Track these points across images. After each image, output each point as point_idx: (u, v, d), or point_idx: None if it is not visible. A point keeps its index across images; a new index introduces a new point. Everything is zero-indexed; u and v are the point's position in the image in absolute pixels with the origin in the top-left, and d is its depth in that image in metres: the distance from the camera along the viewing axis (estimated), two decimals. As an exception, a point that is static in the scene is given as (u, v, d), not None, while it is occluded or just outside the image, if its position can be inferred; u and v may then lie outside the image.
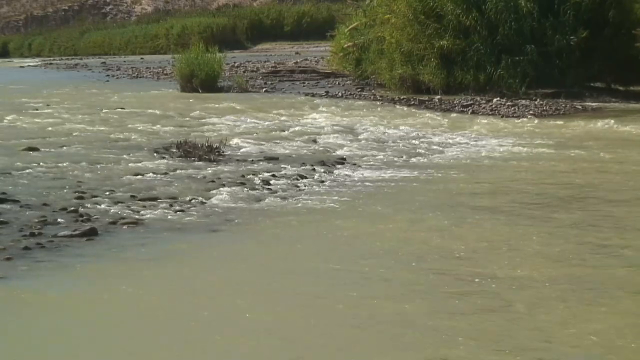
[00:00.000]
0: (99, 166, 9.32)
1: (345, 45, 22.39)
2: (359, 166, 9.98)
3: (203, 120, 14.52)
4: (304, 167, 9.64)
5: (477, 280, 5.26)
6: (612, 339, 4.33)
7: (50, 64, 46.88)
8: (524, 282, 5.19)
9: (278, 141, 11.91)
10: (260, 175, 9.01)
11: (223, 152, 10.31)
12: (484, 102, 17.11)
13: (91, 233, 6.44)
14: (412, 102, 17.73)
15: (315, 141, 12.01)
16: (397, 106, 17.34)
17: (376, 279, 5.39)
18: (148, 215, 7.10)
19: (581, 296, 4.95)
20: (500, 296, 4.95)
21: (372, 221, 6.99)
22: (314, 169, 9.57)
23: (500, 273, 5.37)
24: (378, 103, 18.06)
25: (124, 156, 10.04)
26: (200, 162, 9.72)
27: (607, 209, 7.32)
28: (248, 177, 8.90)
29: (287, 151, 10.99)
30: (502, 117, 15.50)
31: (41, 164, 9.32)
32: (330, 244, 6.33)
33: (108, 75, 31.55)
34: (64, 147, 10.71)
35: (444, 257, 5.84)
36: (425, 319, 4.62)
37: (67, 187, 8.10)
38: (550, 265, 5.58)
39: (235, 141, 11.53)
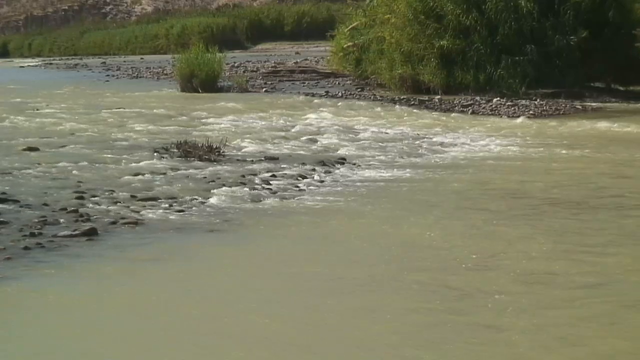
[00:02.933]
0: (99, 166, 9.32)
1: (345, 45, 22.40)
2: (359, 166, 9.98)
3: (203, 120, 14.52)
4: (304, 167, 9.64)
5: (471, 293, 5.14)
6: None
7: (50, 64, 46.88)
8: (517, 300, 5.02)
9: (278, 141, 11.91)
10: (260, 175, 9.01)
11: (223, 152, 10.31)
12: (484, 102, 17.11)
13: (91, 233, 6.43)
14: (412, 102, 17.73)
15: (315, 141, 12.01)
16: (397, 106, 17.34)
17: (373, 285, 5.35)
18: (148, 215, 7.10)
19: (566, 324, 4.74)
20: (495, 317, 4.77)
21: (372, 221, 6.98)
22: (314, 169, 9.57)
23: (497, 287, 5.27)
24: (378, 103, 18.05)
25: (124, 156, 10.03)
26: (200, 162, 9.72)
27: (603, 213, 7.29)
28: (248, 177, 8.90)
29: (287, 151, 10.99)
30: (502, 117, 15.51)
31: (41, 164, 9.32)
32: (330, 245, 6.33)
33: (108, 75, 31.55)
34: (64, 147, 10.71)
35: (444, 264, 5.82)
36: (417, 336, 4.52)
37: (67, 187, 8.09)
38: (544, 281, 5.50)
39: (235, 141, 11.53)
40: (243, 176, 8.93)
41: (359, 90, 20.96)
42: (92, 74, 33.25)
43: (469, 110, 16.39)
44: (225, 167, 9.55)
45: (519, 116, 15.48)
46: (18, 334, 4.59)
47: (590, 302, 4.91)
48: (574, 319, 4.64)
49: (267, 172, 9.24)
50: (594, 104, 17.18)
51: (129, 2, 77.19)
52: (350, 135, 12.73)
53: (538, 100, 17.15)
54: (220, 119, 14.61)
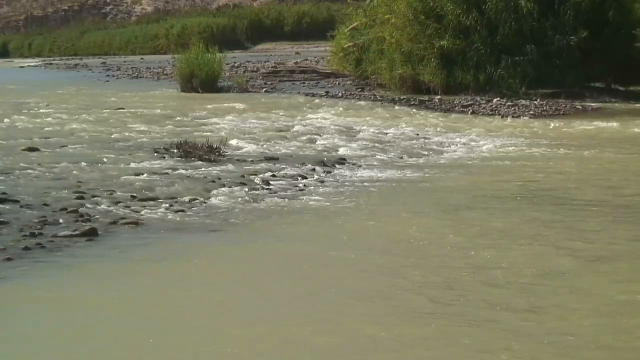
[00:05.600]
0: (99, 166, 9.32)
1: (346, 46, 22.40)
2: (359, 166, 9.98)
3: (203, 120, 14.52)
4: (304, 167, 9.64)
5: (473, 293, 5.16)
6: None
7: (50, 64, 46.88)
8: (516, 308, 5.07)
9: (278, 141, 11.91)
10: (260, 175, 9.01)
11: (223, 152, 10.31)
12: (484, 102, 17.11)
13: (91, 233, 6.44)
14: (412, 102, 17.73)
15: (315, 141, 12.01)
16: (397, 106, 17.34)
17: (374, 284, 5.34)
18: (148, 215, 7.10)
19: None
20: (494, 316, 4.78)
21: (372, 221, 6.98)
22: (314, 169, 9.57)
23: (499, 287, 5.28)
24: (378, 103, 18.05)
25: (124, 156, 10.04)
26: (200, 162, 9.72)
27: (603, 212, 7.29)
28: (248, 177, 8.90)
29: (287, 151, 10.99)
30: (502, 117, 15.51)
31: (41, 164, 9.32)
32: (329, 245, 6.32)
33: (108, 76, 31.55)
34: (64, 147, 10.71)
35: (444, 263, 5.83)
36: (419, 338, 4.53)
37: (67, 187, 8.09)
38: (547, 281, 5.54)
39: (235, 141, 11.53)
40: (243, 176, 8.93)
41: (359, 90, 20.96)
42: (92, 74, 33.25)
43: (469, 110, 16.39)
44: (225, 167, 9.55)
45: (519, 116, 15.48)
46: (18, 333, 4.59)
47: (589, 304, 4.91)
48: (575, 317, 4.65)
49: (267, 172, 9.25)
50: (594, 104, 17.17)
51: (129, 2, 77.19)
52: (350, 135, 12.73)
53: (538, 100, 17.15)
54: (220, 119, 14.61)
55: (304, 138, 12.25)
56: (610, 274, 5.43)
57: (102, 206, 7.35)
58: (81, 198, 7.61)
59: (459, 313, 4.72)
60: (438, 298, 4.99)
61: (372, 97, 19.38)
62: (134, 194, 7.84)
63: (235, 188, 8.27)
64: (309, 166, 9.73)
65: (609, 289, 5.11)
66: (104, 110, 16.03)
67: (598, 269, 5.55)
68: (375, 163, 10.27)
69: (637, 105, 16.98)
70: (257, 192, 8.19)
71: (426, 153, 11.13)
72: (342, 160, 10.33)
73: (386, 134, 12.95)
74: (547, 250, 5.99)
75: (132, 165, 9.47)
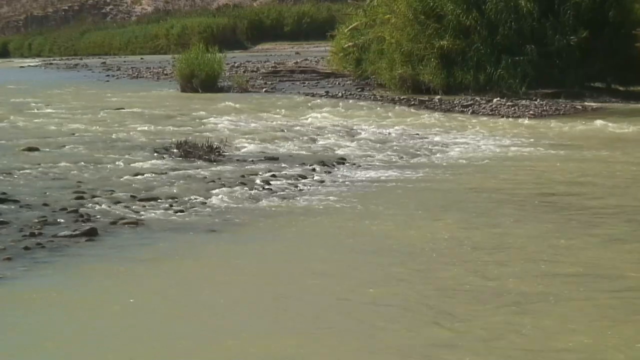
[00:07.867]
0: (99, 166, 9.32)
1: (346, 45, 22.40)
2: (359, 166, 9.98)
3: (203, 120, 14.51)
4: (304, 167, 9.64)
5: (473, 294, 5.17)
6: None
7: (50, 64, 46.85)
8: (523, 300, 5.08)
9: (278, 141, 11.91)
10: (260, 175, 9.01)
11: (223, 152, 10.31)
12: (484, 102, 17.12)
13: (91, 233, 6.44)
14: (412, 102, 17.73)
15: (315, 141, 12.01)
16: (397, 106, 17.34)
17: (373, 285, 5.35)
18: (148, 215, 7.10)
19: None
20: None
21: (372, 221, 6.98)
22: (314, 169, 9.57)
23: (498, 288, 5.28)
24: (378, 103, 18.06)
25: (124, 156, 10.04)
26: (200, 162, 9.72)
27: (601, 213, 7.29)
28: (248, 177, 8.90)
29: (287, 151, 10.99)
30: (502, 117, 15.52)
31: (41, 164, 9.31)
32: (329, 245, 6.33)
33: (108, 76, 31.53)
34: (64, 147, 10.71)
35: (443, 263, 5.83)
36: (420, 339, 4.55)
37: (67, 187, 8.09)
38: (549, 283, 5.53)
39: (235, 141, 11.53)
40: (243, 176, 8.94)
41: (359, 90, 20.97)
42: (92, 74, 33.23)
43: (469, 110, 16.40)
44: (225, 167, 9.55)
45: (519, 116, 15.49)
46: (18, 333, 4.59)
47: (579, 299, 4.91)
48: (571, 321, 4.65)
49: (267, 172, 9.25)
50: (594, 104, 17.18)
51: (129, 2, 77.18)
52: (350, 135, 12.73)
53: (538, 100, 17.16)
54: (220, 119, 14.61)
55: (304, 138, 12.26)
56: (586, 305, 4.91)
57: (102, 206, 7.35)
58: (81, 198, 7.61)
59: (464, 306, 4.73)
60: (431, 305, 4.99)
61: (372, 97, 19.38)
62: (134, 194, 7.84)
63: (235, 188, 8.27)
64: (309, 166, 9.73)
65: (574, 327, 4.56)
66: (104, 110, 16.02)
67: (575, 296, 5.02)
68: (375, 163, 10.27)
69: (637, 105, 16.98)
70: (257, 192, 8.19)
71: (426, 153, 11.14)
72: (342, 160, 10.33)
73: (386, 134, 12.96)
74: (542, 265, 5.75)
75: (132, 165, 9.47)
